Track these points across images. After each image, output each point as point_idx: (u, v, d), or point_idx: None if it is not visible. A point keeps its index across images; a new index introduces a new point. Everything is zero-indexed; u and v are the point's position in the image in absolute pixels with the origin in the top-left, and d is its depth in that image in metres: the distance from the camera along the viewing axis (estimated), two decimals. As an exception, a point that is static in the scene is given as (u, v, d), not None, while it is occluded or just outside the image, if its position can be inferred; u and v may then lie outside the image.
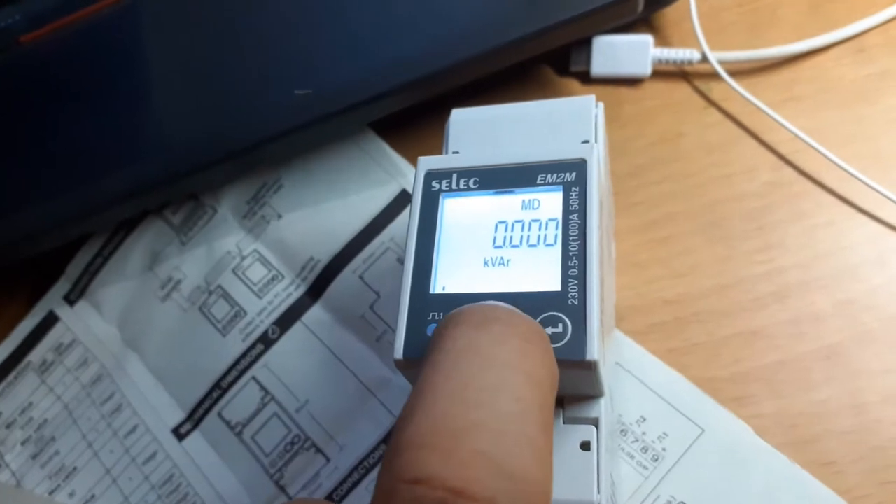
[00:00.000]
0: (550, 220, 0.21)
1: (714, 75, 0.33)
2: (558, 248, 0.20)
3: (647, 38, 0.34)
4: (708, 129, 0.33)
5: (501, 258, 0.21)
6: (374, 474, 0.30)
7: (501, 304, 0.19)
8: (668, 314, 0.30)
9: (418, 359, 0.20)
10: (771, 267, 0.30)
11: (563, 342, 0.19)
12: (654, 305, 0.30)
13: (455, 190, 0.22)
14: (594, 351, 0.19)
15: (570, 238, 0.20)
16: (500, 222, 0.22)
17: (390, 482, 0.15)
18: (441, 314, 0.20)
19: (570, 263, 0.20)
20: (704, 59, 0.33)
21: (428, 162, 0.23)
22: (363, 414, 0.31)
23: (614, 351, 0.28)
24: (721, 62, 0.33)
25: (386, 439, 0.30)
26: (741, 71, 0.33)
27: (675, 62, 0.34)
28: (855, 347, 0.28)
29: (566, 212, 0.21)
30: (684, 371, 0.28)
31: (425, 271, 0.21)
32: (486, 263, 0.21)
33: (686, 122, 0.33)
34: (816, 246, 0.30)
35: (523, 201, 0.22)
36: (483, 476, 0.14)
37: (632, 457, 0.27)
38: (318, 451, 0.31)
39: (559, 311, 0.19)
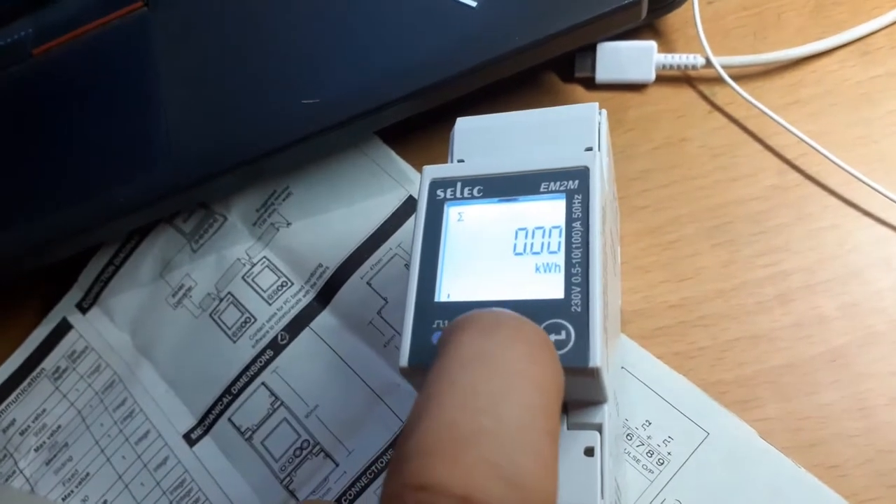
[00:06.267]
0: (553, 227, 0.21)
1: (718, 80, 0.33)
2: (561, 255, 0.21)
3: (651, 44, 0.34)
4: (712, 134, 0.33)
5: (505, 266, 0.21)
6: (382, 479, 0.30)
7: (507, 310, 0.19)
8: (673, 318, 0.30)
9: (424, 366, 0.20)
10: (775, 270, 0.30)
11: (566, 349, 0.19)
12: (660, 309, 0.30)
13: (460, 198, 0.23)
14: (597, 358, 0.19)
15: (573, 245, 0.21)
16: (504, 230, 0.22)
17: (396, 489, 0.15)
18: (446, 322, 0.21)
19: (573, 271, 0.20)
20: (708, 63, 0.33)
21: (433, 171, 0.23)
22: (371, 419, 0.31)
23: (619, 355, 0.28)
24: (725, 67, 0.33)
25: (394, 444, 0.31)
26: (745, 75, 0.33)
27: (679, 67, 0.34)
28: (860, 350, 0.28)
29: (569, 219, 0.21)
30: (689, 374, 0.28)
31: (430, 279, 0.22)
32: (490, 271, 0.21)
33: (691, 127, 0.33)
34: (821, 249, 0.30)
35: (527, 209, 0.22)
36: (488, 483, 0.14)
37: (637, 460, 0.27)
38: (327, 455, 0.32)
39: (562, 318, 0.20)
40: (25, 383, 0.38)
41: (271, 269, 0.35)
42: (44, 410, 0.37)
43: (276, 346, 0.34)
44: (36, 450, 0.37)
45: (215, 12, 0.36)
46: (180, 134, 0.35)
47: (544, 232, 0.21)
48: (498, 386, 0.16)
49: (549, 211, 0.22)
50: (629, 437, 0.28)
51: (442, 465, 0.15)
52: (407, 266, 0.33)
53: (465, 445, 0.15)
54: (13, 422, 0.37)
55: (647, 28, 0.36)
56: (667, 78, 0.34)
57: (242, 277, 0.36)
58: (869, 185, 0.30)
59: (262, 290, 0.35)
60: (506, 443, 0.15)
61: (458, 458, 0.15)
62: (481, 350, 0.17)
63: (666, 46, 0.35)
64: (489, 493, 0.14)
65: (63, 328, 0.38)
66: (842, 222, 0.30)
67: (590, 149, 0.24)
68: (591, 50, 0.34)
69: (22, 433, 0.37)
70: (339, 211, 0.35)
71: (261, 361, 0.34)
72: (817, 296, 0.29)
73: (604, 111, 0.25)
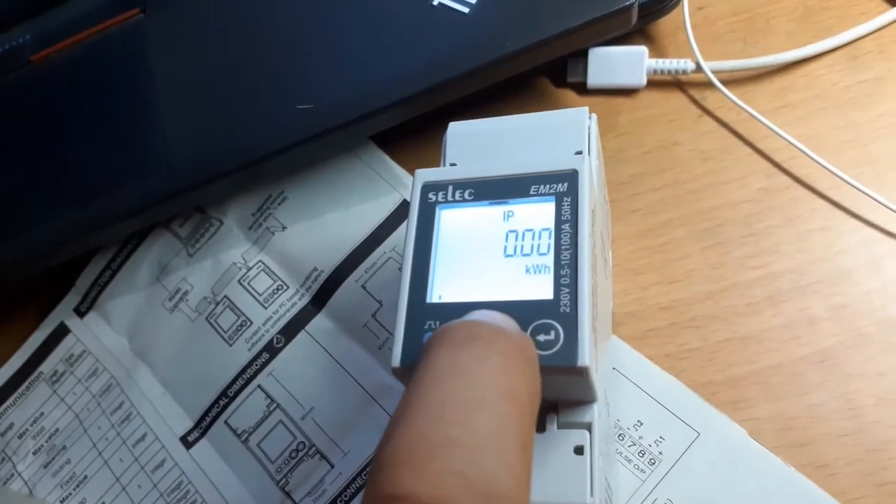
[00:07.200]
0: (543, 229, 0.22)
1: (708, 84, 0.33)
2: (551, 256, 0.21)
3: (642, 49, 0.34)
4: (703, 138, 0.33)
5: (496, 267, 0.22)
6: (377, 480, 0.31)
7: (487, 318, 0.19)
8: (664, 320, 0.30)
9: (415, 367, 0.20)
10: (765, 272, 0.30)
11: (555, 349, 0.19)
12: (651, 311, 0.31)
13: (451, 201, 0.23)
14: (585, 357, 0.19)
15: (563, 247, 0.21)
16: (495, 232, 0.22)
17: (370, 499, 0.15)
18: (437, 322, 0.21)
19: (563, 272, 0.21)
20: (699, 68, 0.33)
21: (425, 174, 0.24)
22: (366, 420, 0.32)
23: (611, 356, 0.29)
24: (715, 71, 0.33)
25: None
26: (735, 79, 0.34)
27: (669, 72, 0.34)
28: (849, 351, 0.28)
29: (558, 222, 0.21)
30: (680, 375, 0.29)
31: (422, 281, 0.22)
32: (481, 273, 0.22)
33: (681, 131, 0.34)
34: (810, 251, 0.30)
35: (517, 212, 0.22)
36: (457, 493, 0.15)
37: (629, 460, 0.28)
38: (323, 457, 0.32)
39: (551, 318, 0.20)
40: (23, 387, 0.38)
41: (267, 273, 0.36)
42: (42, 414, 0.37)
43: (271, 349, 0.34)
44: (34, 453, 0.37)
45: (211, 19, 0.36)
46: (177, 139, 0.35)
47: (534, 234, 0.22)
48: (469, 397, 0.17)
49: (539, 213, 0.22)
50: (621, 438, 0.28)
51: (411, 476, 0.15)
52: (401, 269, 0.33)
53: (435, 456, 0.15)
54: (11, 425, 0.38)
55: (638, 34, 0.36)
56: (658, 83, 0.35)
57: (238, 281, 0.36)
58: (857, 188, 0.30)
59: (258, 293, 0.35)
60: (474, 452, 0.16)
61: (427, 469, 0.15)
62: (453, 363, 0.17)
63: (657, 52, 0.35)
64: (456, 502, 0.15)
65: (61, 332, 0.39)
66: (831, 225, 0.31)
67: (579, 152, 0.24)
68: (583, 55, 0.35)
69: (20, 436, 0.37)
70: (334, 215, 0.36)
71: (257, 364, 0.34)
72: (806, 297, 0.29)
73: (594, 115, 0.25)
